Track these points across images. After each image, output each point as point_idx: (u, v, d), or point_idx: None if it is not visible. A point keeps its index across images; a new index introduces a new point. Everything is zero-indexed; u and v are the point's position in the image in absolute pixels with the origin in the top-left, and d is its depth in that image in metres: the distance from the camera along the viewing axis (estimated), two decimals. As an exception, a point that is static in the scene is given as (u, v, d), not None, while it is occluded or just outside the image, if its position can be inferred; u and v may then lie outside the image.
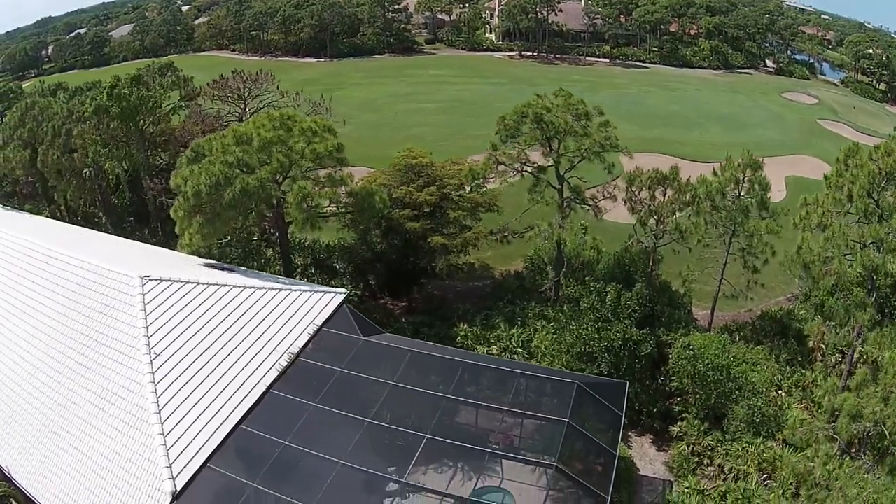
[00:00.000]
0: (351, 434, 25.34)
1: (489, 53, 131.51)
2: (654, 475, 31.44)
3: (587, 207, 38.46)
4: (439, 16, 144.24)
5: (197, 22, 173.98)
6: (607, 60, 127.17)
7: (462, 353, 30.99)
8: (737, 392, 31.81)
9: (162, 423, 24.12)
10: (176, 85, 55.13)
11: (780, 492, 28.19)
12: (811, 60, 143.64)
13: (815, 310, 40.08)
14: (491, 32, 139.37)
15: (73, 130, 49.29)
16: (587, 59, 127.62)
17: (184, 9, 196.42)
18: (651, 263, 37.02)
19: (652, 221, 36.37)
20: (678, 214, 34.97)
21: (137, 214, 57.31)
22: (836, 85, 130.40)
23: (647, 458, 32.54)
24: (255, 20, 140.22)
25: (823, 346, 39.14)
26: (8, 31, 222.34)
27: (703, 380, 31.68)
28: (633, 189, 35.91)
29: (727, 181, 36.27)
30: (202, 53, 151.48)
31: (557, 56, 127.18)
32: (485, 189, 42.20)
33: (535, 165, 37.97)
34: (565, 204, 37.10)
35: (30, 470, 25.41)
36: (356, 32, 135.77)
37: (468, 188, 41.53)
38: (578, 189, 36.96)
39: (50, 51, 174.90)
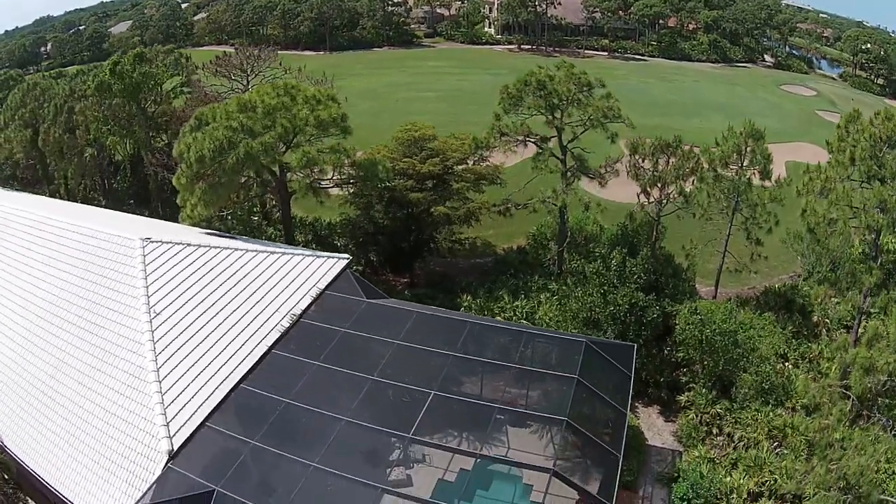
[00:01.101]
0: (355, 392, 24.99)
1: (488, 47, 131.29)
2: (662, 445, 31.15)
3: (591, 177, 38.38)
4: (438, 10, 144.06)
5: (196, 18, 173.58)
6: (605, 53, 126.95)
7: (468, 316, 30.81)
8: (745, 359, 31.57)
9: (160, 382, 23.80)
10: (178, 63, 54.94)
11: (793, 458, 27.87)
12: (809, 55, 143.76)
13: (819, 284, 40.18)
14: (490, 26, 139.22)
15: (76, 107, 49.08)
16: (586, 51, 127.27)
17: (183, 5, 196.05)
18: (655, 233, 36.88)
19: (656, 191, 36.32)
20: (683, 183, 34.74)
21: (137, 196, 57.10)
22: (834, 79, 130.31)
23: (654, 428, 32.24)
24: (254, 14, 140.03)
25: (828, 321, 39.13)
26: (7, 31, 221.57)
27: (710, 346, 31.39)
28: (637, 157, 35.88)
29: (729, 150, 36.33)
30: (201, 48, 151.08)
31: (556, 49, 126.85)
32: (488, 163, 42.19)
33: (539, 136, 37.94)
34: (569, 174, 36.93)
35: (21, 436, 24.99)
36: (355, 26, 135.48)
37: (471, 162, 41.52)
38: (582, 157, 36.84)
39: (49, 47, 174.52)
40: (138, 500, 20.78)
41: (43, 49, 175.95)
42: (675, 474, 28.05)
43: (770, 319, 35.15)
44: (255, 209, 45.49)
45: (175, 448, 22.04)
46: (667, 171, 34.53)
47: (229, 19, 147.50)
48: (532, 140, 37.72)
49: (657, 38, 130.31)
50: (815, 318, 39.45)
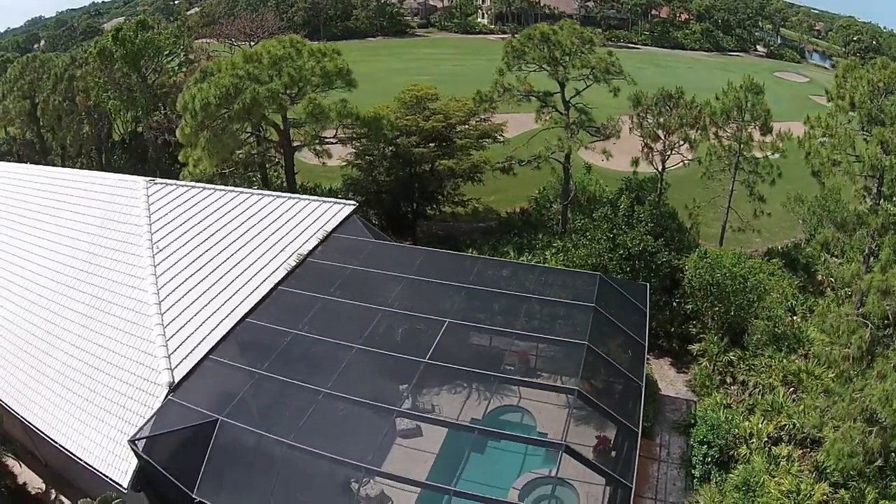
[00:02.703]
0: (366, 322, 24.28)
1: (482, 36, 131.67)
2: (676, 395, 30.85)
3: (593, 134, 38.43)
4: (431, 1, 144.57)
5: (189, 13, 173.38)
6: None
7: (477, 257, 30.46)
8: (756, 304, 31.39)
9: (161, 315, 23.29)
10: (180, 33, 54.84)
11: (812, 399, 27.48)
12: (801, 46, 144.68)
13: (821, 248, 40.43)
14: (483, 17, 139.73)
15: (77, 73, 48.94)
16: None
17: (175, 1, 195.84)
18: (660, 187, 37.05)
19: (659, 144, 36.53)
20: (688, 130, 34.86)
21: (135, 171, 56.77)
22: (826, 68, 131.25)
23: (667, 379, 31.97)
24: (248, 6, 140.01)
25: (832, 280, 39.28)
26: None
27: (720, 291, 31.09)
28: (640, 109, 36.09)
29: (730, 104, 36.61)
30: (196, 41, 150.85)
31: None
32: (490, 123, 42.41)
33: (542, 92, 38.09)
34: (573, 126, 37.00)
35: (12, 383, 24.23)
36: (349, 16, 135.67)
37: (473, 122, 41.71)
38: (585, 110, 36.98)
39: (42, 44, 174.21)
40: (135, 433, 19.95)
41: (36, 46, 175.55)
42: (692, 421, 27.70)
43: (778, 264, 35.15)
44: (254, 178, 45.39)
45: (176, 380, 21.24)
46: (670, 120, 34.60)
47: (223, 12, 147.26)
48: (535, 95, 37.80)
49: (650, 28, 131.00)
50: (819, 277, 39.63)
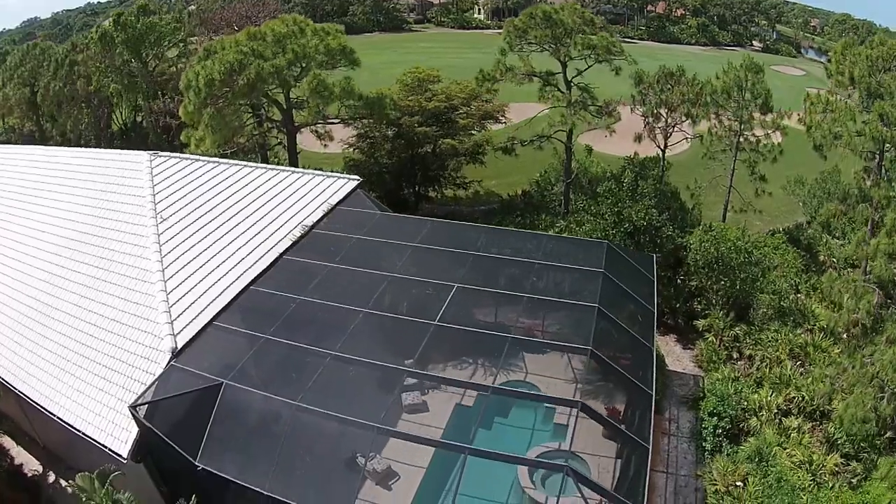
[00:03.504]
0: (373, 288, 24.10)
1: (479, 31, 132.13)
2: (683, 370, 30.86)
3: (594, 114, 38.53)
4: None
5: (188, 9, 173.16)
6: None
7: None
8: (761, 278, 31.52)
9: (165, 282, 23.05)
10: (181, 19, 54.85)
11: (821, 368, 27.37)
12: (796, 41, 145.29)
13: (823, 228, 40.67)
14: (479, 12, 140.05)
15: (77, 58, 48.94)
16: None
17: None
18: (662, 164, 37.17)
19: (661, 123, 36.70)
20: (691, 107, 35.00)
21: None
22: (822, 63, 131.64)
23: (673, 354, 31.97)
24: (243, 3, 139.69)
25: (834, 259, 39.43)
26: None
27: (725, 265, 31.13)
28: (643, 87, 36.26)
29: (730, 83, 36.79)
30: (192, 38, 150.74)
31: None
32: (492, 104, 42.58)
33: (544, 72, 38.23)
34: (575, 104, 37.08)
35: (10, 359, 23.78)
36: (346, 12, 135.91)
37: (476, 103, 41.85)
38: (587, 88, 37.10)
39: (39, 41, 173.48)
40: (136, 399, 19.51)
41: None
42: (701, 394, 27.67)
43: (782, 239, 35.26)
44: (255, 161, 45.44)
45: (179, 346, 20.86)
46: (672, 96, 34.75)
47: (219, 9, 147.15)
48: (537, 75, 37.93)
49: (646, 23, 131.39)
50: (821, 258, 39.79)
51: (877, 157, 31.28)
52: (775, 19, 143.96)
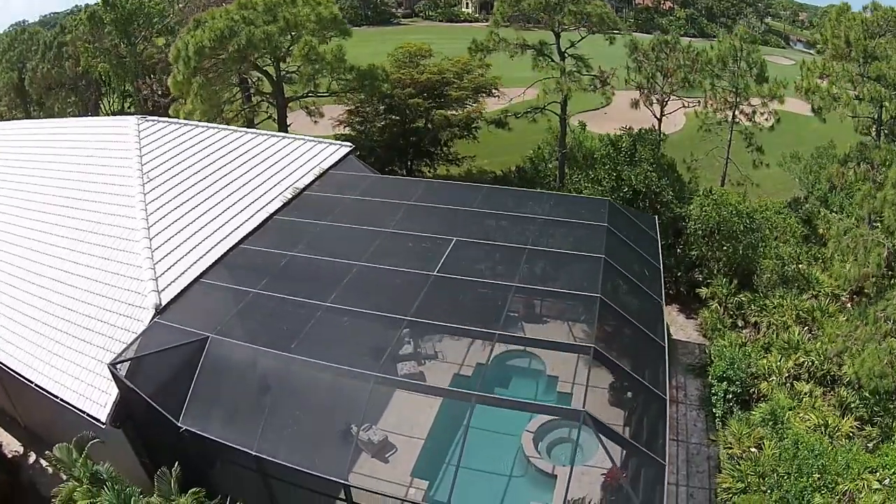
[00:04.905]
0: (368, 243, 23.26)
1: (467, 24, 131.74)
2: (687, 339, 30.40)
3: (588, 88, 38.16)
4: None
5: (178, 8, 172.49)
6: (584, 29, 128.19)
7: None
8: (763, 244, 31.14)
9: (150, 240, 22.20)
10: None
11: (830, 330, 26.85)
12: (785, 34, 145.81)
13: (821, 203, 40.41)
14: (467, 6, 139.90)
15: (66, 38, 48.40)
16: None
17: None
18: (659, 129, 36.79)
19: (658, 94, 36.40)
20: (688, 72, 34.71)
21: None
22: (811, 54, 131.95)
23: (676, 324, 31.49)
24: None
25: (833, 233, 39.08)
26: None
27: (727, 229, 30.68)
28: (638, 54, 36.00)
29: (725, 51, 36.57)
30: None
31: (535, 25, 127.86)
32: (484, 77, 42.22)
33: (538, 42, 37.88)
34: (570, 72, 36.70)
35: None
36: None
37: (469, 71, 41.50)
38: (582, 57, 36.74)
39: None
40: (116, 357, 18.43)
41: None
42: (708, 360, 27.17)
43: (783, 203, 34.89)
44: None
45: (163, 303, 19.92)
46: (668, 63, 34.46)
47: (206, 5, 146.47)
48: (530, 46, 37.51)
49: (634, 15, 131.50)
50: (820, 231, 39.48)
51: (875, 120, 31.22)
52: (763, 11, 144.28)
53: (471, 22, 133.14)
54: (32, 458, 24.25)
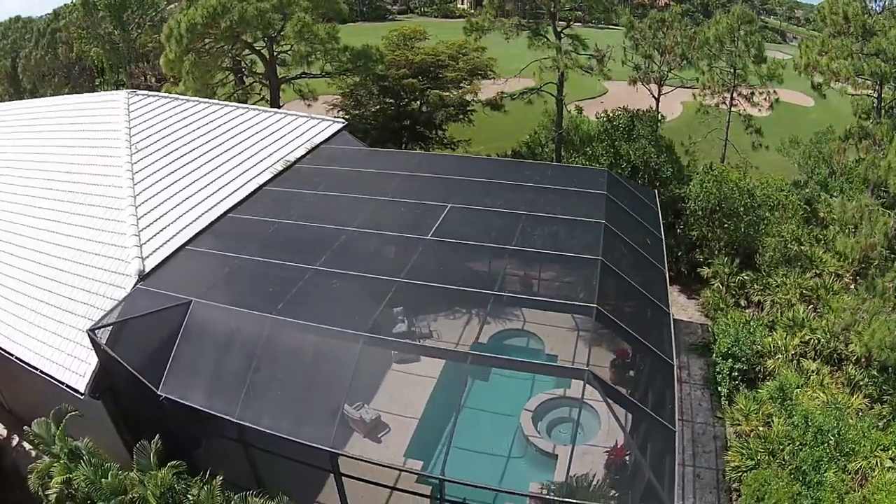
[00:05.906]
0: (359, 210, 22.85)
1: (462, 20, 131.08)
2: (689, 319, 30.00)
3: (584, 69, 37.77)
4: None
5: (169, 7, 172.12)
6: (580, 25, 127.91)
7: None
8: (765, 223, 30.74)
9: (136, 207, 21.84)
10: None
11: (837, 304, 26.41)
12: (780, 30, 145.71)
13: (821, 187, 40.12)
14: (463, 2, 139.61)
15: (60, 24, 48.10)
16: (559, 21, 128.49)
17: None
18: (657, 106, 36.40)
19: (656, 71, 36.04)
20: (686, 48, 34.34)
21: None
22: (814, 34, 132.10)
23: (678, 304, 30.95)
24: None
25: (834, 217, 38.70)
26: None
27: (729, 207, 30.23)
28: (635, 32, 35.70)
29: (723, 31, 36.23)
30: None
31: (531, 20, 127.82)
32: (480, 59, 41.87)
33: (533, 22, 37.50)
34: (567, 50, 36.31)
35: None
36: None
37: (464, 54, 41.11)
38: (578, 36, 36.37)
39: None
40: (96, 323, 17.98)
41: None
42: (712, 339, 26.84)
43: (783, 181, 34.51)
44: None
45: (147, 269, 19.65)
46: (665, 40, 34.10)
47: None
48: (525, 26, 37.14)
49: (630, 10, 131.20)
50: (821, 214, 39.15)
51: (875, 95, 30.87)
52: (759, 8, 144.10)
53: (466, 18, 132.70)
54: (15, 441, 23.69)
